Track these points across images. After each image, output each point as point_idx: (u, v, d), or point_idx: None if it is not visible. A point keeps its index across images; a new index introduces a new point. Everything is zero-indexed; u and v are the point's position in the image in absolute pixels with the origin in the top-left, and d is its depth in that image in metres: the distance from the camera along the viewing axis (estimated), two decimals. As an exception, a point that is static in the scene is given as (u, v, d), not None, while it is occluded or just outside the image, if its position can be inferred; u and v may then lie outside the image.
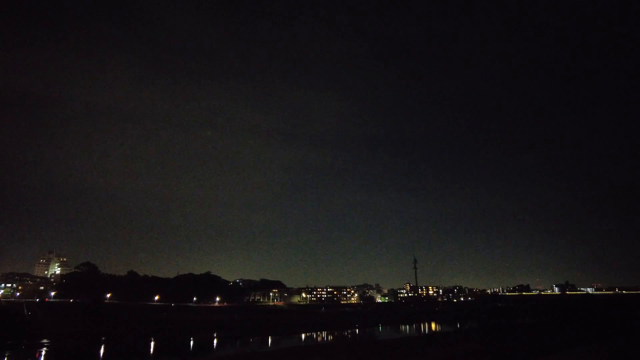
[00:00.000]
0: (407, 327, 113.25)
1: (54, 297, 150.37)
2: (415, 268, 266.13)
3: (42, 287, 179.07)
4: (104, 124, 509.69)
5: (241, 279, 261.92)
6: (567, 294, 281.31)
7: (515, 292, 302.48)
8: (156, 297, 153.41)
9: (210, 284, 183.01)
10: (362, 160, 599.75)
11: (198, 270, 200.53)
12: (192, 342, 75.06)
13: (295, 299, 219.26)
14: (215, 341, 77.53)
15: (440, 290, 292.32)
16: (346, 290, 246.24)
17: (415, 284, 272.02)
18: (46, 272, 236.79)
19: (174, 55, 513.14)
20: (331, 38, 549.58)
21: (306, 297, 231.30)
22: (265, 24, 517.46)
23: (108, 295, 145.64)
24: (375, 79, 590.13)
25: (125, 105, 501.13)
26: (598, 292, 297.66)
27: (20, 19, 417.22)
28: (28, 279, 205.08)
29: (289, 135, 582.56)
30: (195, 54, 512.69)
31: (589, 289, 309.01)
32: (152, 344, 70.05)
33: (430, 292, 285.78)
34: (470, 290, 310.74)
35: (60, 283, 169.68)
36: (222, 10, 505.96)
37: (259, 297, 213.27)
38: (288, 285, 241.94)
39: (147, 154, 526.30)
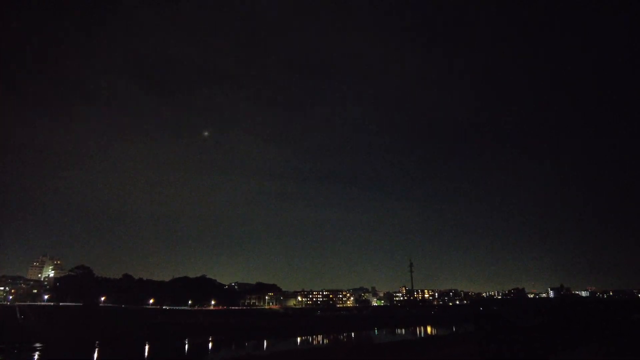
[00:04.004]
0: (403, 330, 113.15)
1: (48, 300, 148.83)
2: (411, 271, 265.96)
3: (35, 291, 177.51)
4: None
5: (237, 282, 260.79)
6: (562, 296, 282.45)
7: (510, 295, 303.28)
8: (151, 301, 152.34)
9: (205, 287, 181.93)
10: (357, 165, 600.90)
11: (193, 273, 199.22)
12: (187, 346, 74.51)
13: (291, 303, 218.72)
14: (210, 344, 77.04)
15: (436, 294, 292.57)
16: (342, 294, 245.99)
17: (411, 287, 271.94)
18: (40, 275, 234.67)
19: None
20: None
21: (302, 300, 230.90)
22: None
23: (103, 299, 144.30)
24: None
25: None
26: (593, 295, 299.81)
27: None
28: (21, 282, 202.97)
29: (284, 142, 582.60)
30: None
31: (583, 292, 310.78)
32: (147, 347, 69.44)
33: (426, 295, 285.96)
34: (466, 293, 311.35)
35: (54, 286, 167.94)
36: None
37: (254, 301, 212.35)
38: (284, 289, 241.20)
39: (141, 161, 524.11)
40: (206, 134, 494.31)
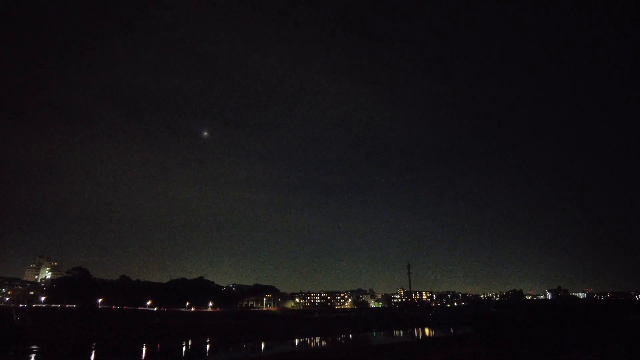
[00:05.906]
0: (401, 332, 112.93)
1: (45, 302, 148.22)
2: (409, 273, 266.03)
3: (32, 292, 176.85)
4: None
5: (234, 284, 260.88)
6: (560, 298, 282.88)
7: (508, 297, 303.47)
8: (149, 302, 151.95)
9: (203, 288, 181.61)
10: (355, 168, 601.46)
11: (191, 275, 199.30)
12: (184, 348, 74.25)
13: (289, 304, 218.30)
14: (208, 346, 76.83)
15: (434, 296, 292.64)
16: (340, 296, 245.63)
17: (409, 289, 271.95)
18: (36, 276, 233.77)
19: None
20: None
21: (300, 302, 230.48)
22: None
23: (100, 300, 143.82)
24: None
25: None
26: (590, 297, 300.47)
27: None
28: (18, 283, 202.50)
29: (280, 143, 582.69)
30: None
31: (581, 294, 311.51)
32: (144, 349, 69.19)
33: (424, 297, 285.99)
34: (464, 295, 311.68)
35: (50, 288, 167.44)
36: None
37: (252, 302, 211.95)
38: (282, 291, 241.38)
39: (139, 162, 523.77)
40: (205, 133, 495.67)
